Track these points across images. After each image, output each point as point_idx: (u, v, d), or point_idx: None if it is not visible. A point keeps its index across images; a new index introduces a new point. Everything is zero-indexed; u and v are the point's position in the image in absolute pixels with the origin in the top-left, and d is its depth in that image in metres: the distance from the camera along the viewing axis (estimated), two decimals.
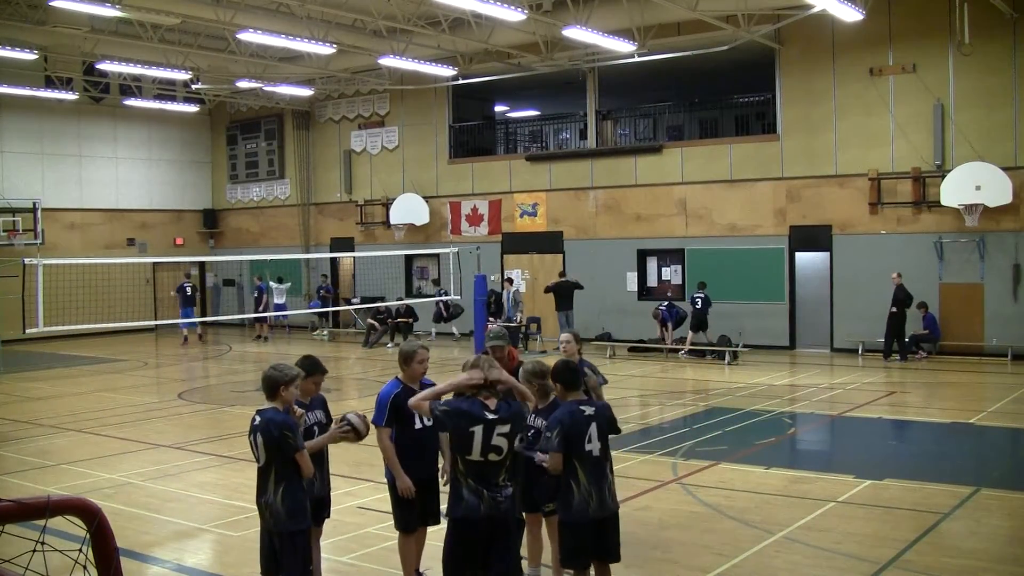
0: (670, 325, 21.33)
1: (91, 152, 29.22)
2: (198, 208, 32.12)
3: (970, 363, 18.97)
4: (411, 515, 6.35)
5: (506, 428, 5.18)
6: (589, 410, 5.73)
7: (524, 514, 6.38)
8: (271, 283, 26.96)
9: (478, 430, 5.10)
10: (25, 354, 22.76)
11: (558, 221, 24.95)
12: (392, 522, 6.64)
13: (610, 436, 5.89)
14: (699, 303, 20.80)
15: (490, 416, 5.14)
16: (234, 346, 25.83)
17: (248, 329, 28.37)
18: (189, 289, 25.98)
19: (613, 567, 5.94)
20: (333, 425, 6.15)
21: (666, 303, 21.68)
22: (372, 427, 6.18)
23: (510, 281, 23.85)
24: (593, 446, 5.65)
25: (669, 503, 8.97)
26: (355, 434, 5.99)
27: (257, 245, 31.00)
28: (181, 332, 26.53)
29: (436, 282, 26.54)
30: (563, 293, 22.67)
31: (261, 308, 26.44)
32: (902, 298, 19.23)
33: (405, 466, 6.22)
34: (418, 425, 6.26)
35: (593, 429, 5.68)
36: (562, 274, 23.31)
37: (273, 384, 5.59)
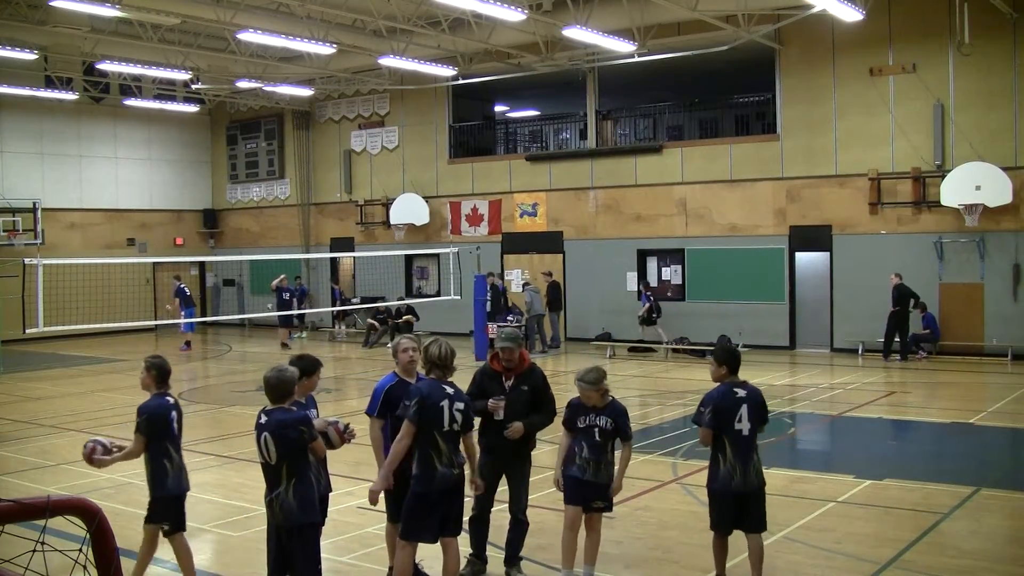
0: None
1: (91, 152, 29.22)
2: (198, 208, 32.12)
3: (970, 363, 18.97)
4: (396, 508, 6.37)
5: (461, 405, 6.06)
6: (741, 392, 6.28)
7: (569, 510, 6.46)
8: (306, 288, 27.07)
9: (445, 404, 5.98)
10: (25, 354, 22.75)
11: (558, 221, 24.94)
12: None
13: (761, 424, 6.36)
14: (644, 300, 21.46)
15: (449, 391, 6.05)
16: (234, 346, 25.82)
17: (278, 331, 25.44)
18: (188, 290, 24.79)
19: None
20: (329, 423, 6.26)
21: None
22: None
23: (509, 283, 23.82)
24: (743, 425, 6.16)
25: (669, 503, 8.97)
26: (329, 443, 6.15)
27: (257, 245, 31.01)
28: (184, 335, 24.71)
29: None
30: (554, 295, 22.75)
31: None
32: (898, 297, 19.23)
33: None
34: None
35: (744, 410, 6.17)
36: (549, 274, 23.32)
37: (283, 387, 5.63)
